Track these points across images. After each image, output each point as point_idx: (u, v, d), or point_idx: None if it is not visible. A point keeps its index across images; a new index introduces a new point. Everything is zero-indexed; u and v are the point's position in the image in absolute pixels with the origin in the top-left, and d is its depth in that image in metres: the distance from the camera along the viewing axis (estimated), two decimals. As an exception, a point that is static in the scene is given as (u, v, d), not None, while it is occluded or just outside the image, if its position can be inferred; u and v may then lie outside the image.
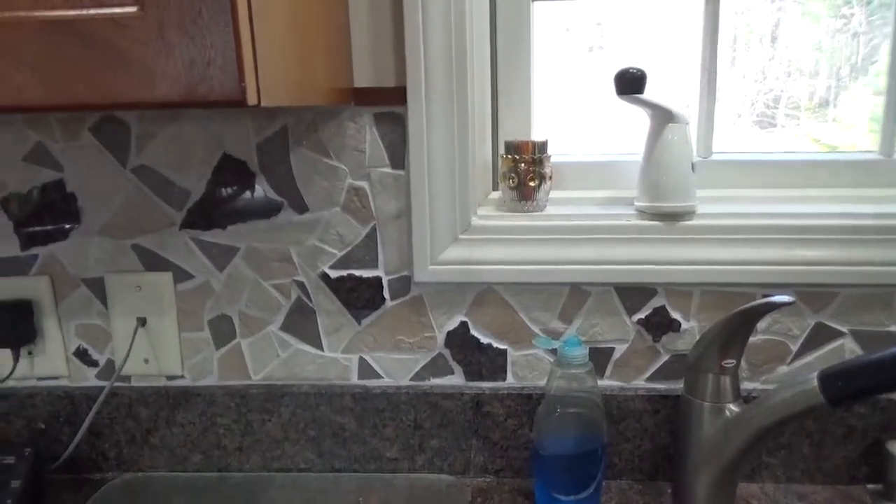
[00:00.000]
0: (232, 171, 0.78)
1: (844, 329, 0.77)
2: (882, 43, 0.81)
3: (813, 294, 0.75)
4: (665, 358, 0.79)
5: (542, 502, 0.75)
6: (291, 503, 0.78)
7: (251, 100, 0.43)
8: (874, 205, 0.76)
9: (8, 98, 0.42)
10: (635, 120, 0.83)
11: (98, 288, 0.82)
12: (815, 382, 0.62)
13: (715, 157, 0.82)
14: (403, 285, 0.80)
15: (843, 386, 0.61)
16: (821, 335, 0.77)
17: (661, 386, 0.80)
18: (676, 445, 0.75)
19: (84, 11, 0.41)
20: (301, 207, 0.78)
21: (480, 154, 0.80)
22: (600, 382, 0.80)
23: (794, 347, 0.78)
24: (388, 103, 0.75)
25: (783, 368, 0.78)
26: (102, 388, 0.82)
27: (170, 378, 0.85)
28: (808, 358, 0.78)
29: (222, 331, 0.83)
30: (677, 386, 0.79)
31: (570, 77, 0.86)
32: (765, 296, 0.75)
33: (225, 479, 0.83)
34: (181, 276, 0.81)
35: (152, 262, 0.81)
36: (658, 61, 0.81)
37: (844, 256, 0.74)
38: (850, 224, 0.73)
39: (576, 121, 0.88)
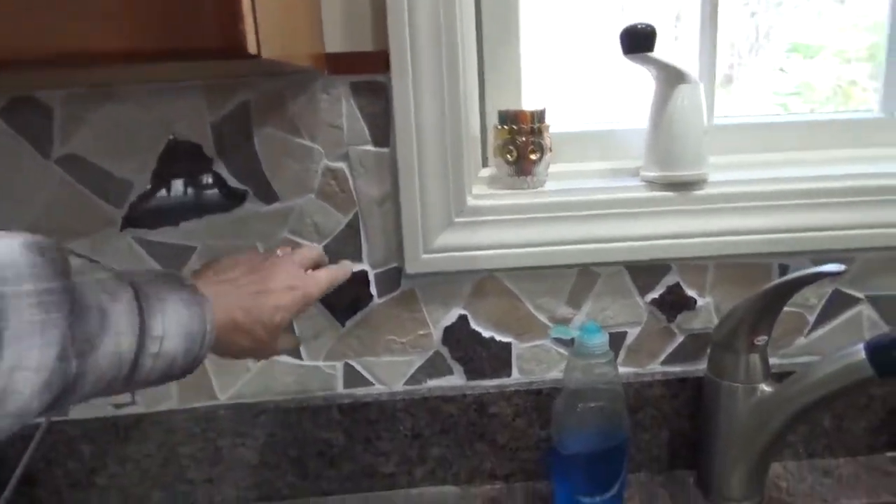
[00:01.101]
0: (183, 157, 0.66)
1: (861, 295, 0.73)
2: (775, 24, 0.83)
3: (830, 261, 0.71)
4: (680, 339, 0.74)
5: (564, 507, 0.68)
6: (279, 538, 0.67)
7: (251, 48, 0.32)
8: (886, 164, 0.73)
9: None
10: (619, 86, 0.77)
11: (22, 305, 0.68)
12: (863, 354, 0.57)
13: (716, 121, 0.77)
14: (392, 279, 0.70)
15: (896, 356, 0.56)
16: (837, 304, 0.74)
17: (677, 369, 0.74)
18: (701, 431, 0.70)
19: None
20: (269, 196, 0.67)
21: (471, 127, 0.71)
22: (613, 370, 0.73)
23: (812, 318, 0.74)
24: (368, 70, 0.65)
25: (801, 341, 0.74)
26: (36, 425, 0.68)
27: (118, 406, 0.72)
28: (825, 328, 0.74)
29: (180, 345, 0.71)
30: (695, 368, 0.74)
31: (557, 43, 0.79)
32: (782, 265, 0.71)
33: (194, 517, 0.72)
34: (127, 284, 0.69)
35: (89, 269, 0.68)
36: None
37: (861, 219, 0.70)
38: (866, 185, 0.70)
39: (561, 88, 0.81)
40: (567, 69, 0.80)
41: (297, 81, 0.65)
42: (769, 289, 0.60)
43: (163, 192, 0.67)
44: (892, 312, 0.74)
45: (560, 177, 0.74)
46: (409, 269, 0.69)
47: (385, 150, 0.67)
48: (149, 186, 0.66)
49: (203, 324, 0.44)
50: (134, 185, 0.66)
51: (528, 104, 0.74)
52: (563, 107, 0.78)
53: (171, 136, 0.65)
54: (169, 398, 0.72)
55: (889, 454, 0.75)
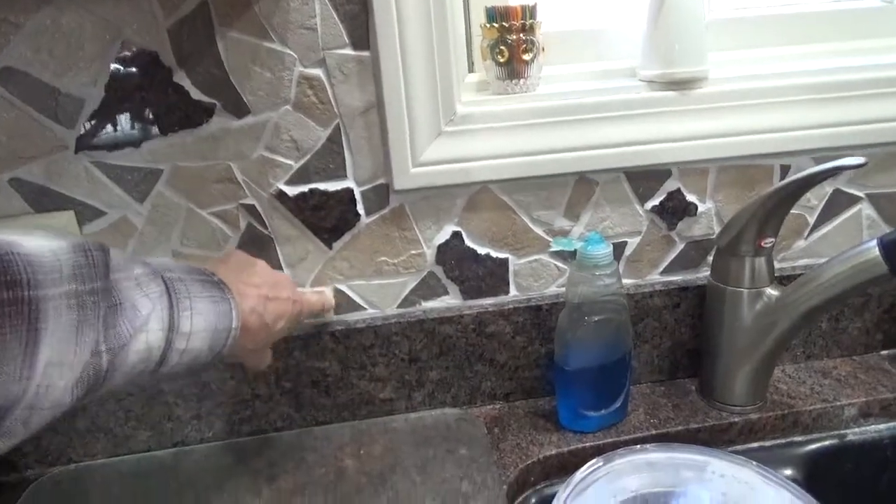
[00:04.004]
0: (138, 67, 0.59)
1: (861, 194, 0.72)
2: None
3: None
4: (680, 247, 0.71)
5: (568, 421, 0.67)
6: (278, 468, 0.65)
7: None
8: (889, 55, 0.70)
9: None
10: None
11: (-28, 242, 0.62)
12: (876, 251, 0.56)
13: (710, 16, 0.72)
14: (380, 196, 0.65)
15: (912, 250, 0.55)
16: (837, 203, 0.72)
17: (677, 278, 0.72)
18: (704, 338, 0.69)
19: None
20: (239, 109, 0.61)
21: (456, 26, 0.65)
22: (612, 282, 0.71)
23: (812, 219, 0.72)
24: (342, -40, 0.58)
25: (801, 243, 0.73)
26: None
27: (91, 345, 0.67)
28: (826, 229, 0.73)
29: (154, 278, 0.65)
30: (695, 276, 0.72)
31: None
32: (783, 166, 0.69)
33: (184, 455, 0.69)
34: (88, 213, 0.62)
35: (44, 199, 0.61)
36: None
37: (867, 114, 0.67)
38: (869, 78, 0.67)
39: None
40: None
41: (263, -24, 0.57)
42: (781, 187, 0.58)
43: (119, 108, 0.60)
44: (891, 210, 0.72)
45: (553, 80, 0.69)
46: (398, 184, 0.64)
47: (365, 53, 0.61)
48: (101, 103, 0.59)
49: (229, 321, 0.46)
50: (86, 101, 0.59)
51: None
52: (552, 3, 0.72)
53: (121, 44, 0.58)
54: (146, 334, 0.67)
55: (884, 352, 0.76)
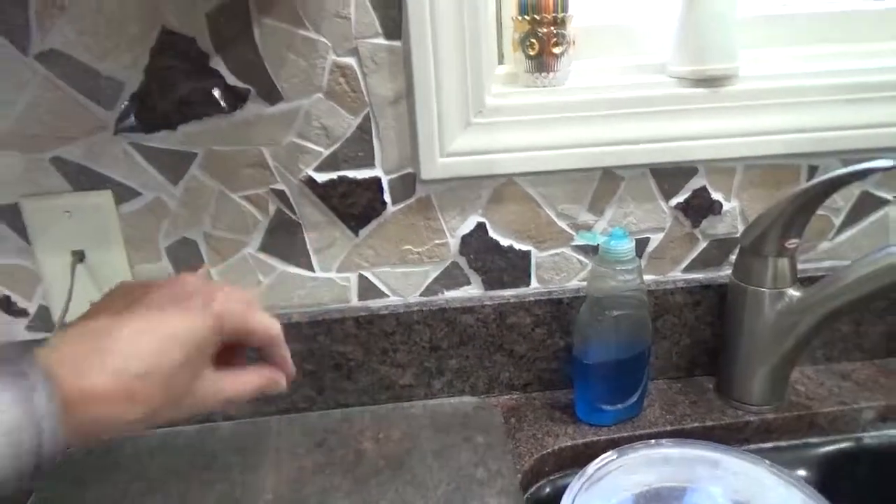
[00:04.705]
0: (177, 51, 0.60)
1: (889, 196, 0.71)
2: None
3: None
4: (703, 245, 0.72)
5: (584, 413, 0.68)
6: (299, 448, 0.66)
7: None
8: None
9: None
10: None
11: (13, 218, 0.63)
12: (903, 254, 0.56)
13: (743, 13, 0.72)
14: (407, 185, 0.66)
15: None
16: (864, 206, 0.71)
17: (699, 276, 0.72)
18: (723, 337, 0.69)
19: None
20: (272, 96, 0.62)
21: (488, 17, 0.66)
22: (634, 278, 0.71)
23: (837, 221, 0.72)
24: (378, -48, 0.59)
25: (825, 245, 0.73)
26: (38, 341, 0.65)
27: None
28: (851, 231, 0.72)
29: (185, 259, 0.67)
30: (717, 274, 0.72)
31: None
32: (811, 166, 0.68)
33: (209, 432, 0.70)
34: (124, 193, 0.64)
35: (82, 178, 0.63)
36: None
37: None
38: (902, 79, 0.66)
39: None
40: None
41: (300, -35, 0.58)
42: (809, 187, 0.58)
43: (157, 92, 0.61)
44: (920, 214, 0.72)
45: (582, 74, 0.69)
46: (425, 174, 0.65)
47: (397, 43, 0.61)
48: (140, 86, 0.61)
49: (31, 417, 0.32)
50: (125, 84, 0.61)
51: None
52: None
53: (161, 28, 0.59)
54: (176, 313, 0.69)
55: (906, 357, 0.76)
